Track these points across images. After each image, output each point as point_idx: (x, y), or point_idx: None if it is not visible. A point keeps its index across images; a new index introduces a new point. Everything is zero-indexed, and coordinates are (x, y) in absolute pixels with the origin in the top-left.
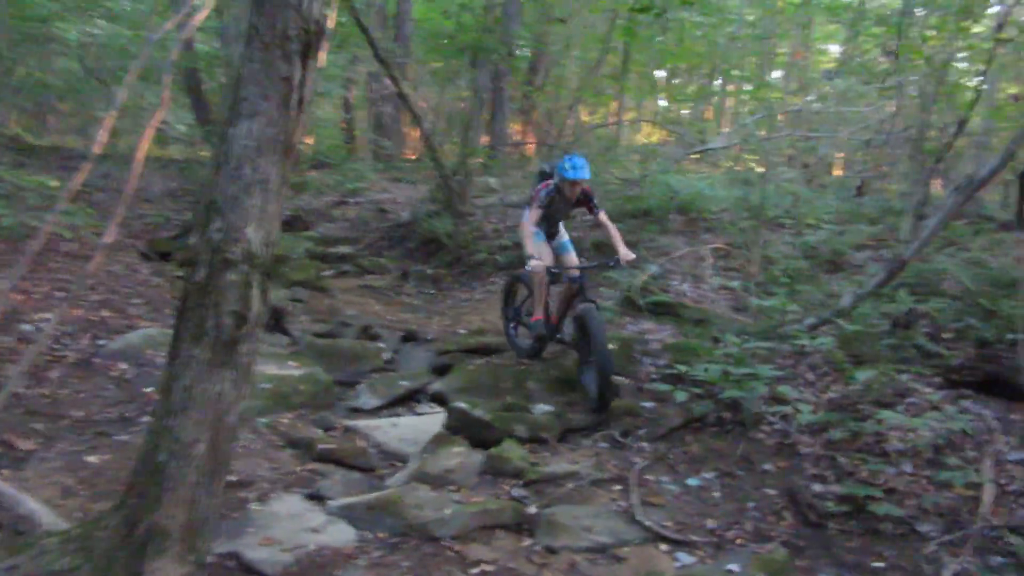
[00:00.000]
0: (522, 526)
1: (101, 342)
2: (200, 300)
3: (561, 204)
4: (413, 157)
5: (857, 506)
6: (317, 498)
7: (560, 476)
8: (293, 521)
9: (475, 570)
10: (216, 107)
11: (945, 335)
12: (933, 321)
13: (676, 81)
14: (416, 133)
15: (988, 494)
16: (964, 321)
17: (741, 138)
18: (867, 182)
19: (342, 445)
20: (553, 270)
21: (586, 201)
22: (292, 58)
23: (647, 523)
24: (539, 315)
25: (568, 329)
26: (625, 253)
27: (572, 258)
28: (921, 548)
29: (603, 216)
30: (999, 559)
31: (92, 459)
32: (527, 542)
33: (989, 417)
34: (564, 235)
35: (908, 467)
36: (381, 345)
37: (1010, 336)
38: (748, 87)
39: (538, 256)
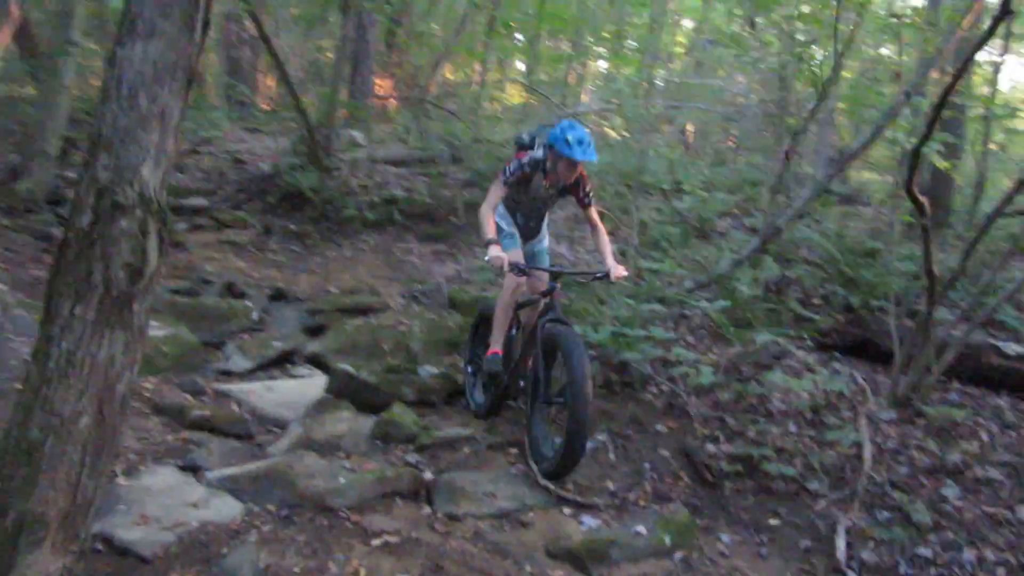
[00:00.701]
0: (420, 493)
1: None
2: (84, 251)
3: (541, 187)
4: (268, 108)
5: (750, 465)
6: (193, 469)
7: (455, 440)
8: (169, 496)
9: (377, 541)
10: (44, 39)
11: (814, 301)
12: (802, 287)
13: (547, 44)
14: (273, 81)
15: (868, 452)
16: (828, 288)
17: (615, 104)
18: (794, 149)
19: (216, 411)
20: (522, 267)
21: (577, 189)
22: None
23: (550, 487)
24: (497, 348)
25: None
26: (616, 266)
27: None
28: (812, 505)
29: (595, 213)
30: (886, 513)
31: None
32: (427, 510)
33: (860, 379)
34: (545, 238)
35: (792, 427)
36: (248, 304)
37: (873, 302)
38: (606, 53)
39: (503, 250)
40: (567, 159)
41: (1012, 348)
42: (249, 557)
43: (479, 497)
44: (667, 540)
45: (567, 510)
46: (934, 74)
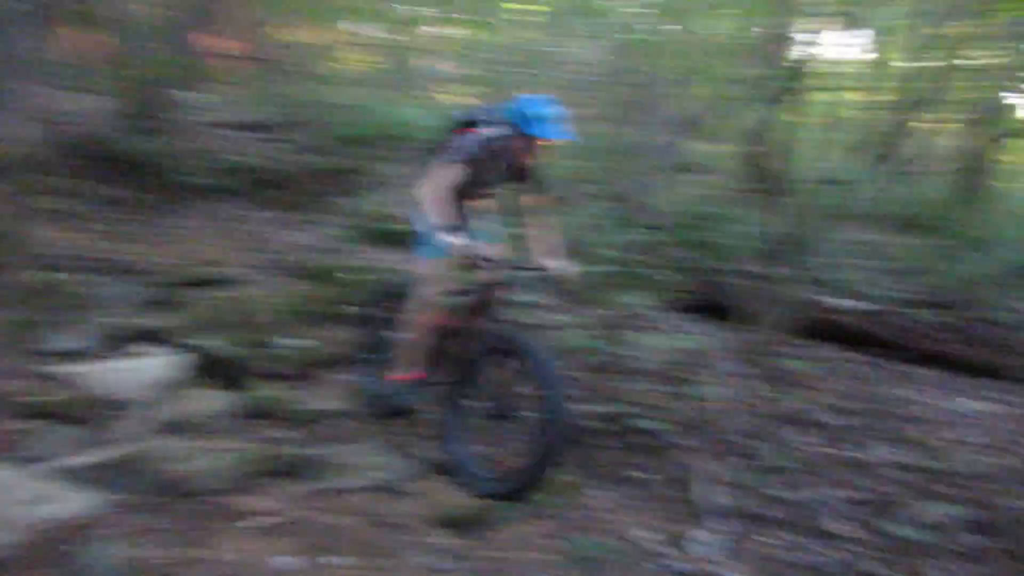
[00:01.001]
0: (294, 470)
1: None
2: None
3: (491, 170)
4: (84, 63)
5: (612, 422)
6: (31, 461)
7: (322, 414)
8: (4, 493)
9: (250, 523)
10: None
11: (665, 265)
12: (654, 252)
13: (401, 8)
14: (84, 33)
15: (718, 405)
16: (678, 252)
17: (471, 69)
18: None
19: (49, 396)
20: (491, 260)
21: (529, 175)
22: None
23: (428, 457)
24: (406, 373)
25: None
26: (562, 264)
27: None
28: (672, 456)
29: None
30: (736, 459)
31: None
32: (303, 487)
33: (709, 336)
34: (482, 219)
35: (650, 384)
36: (73, 278)
37: (719, 265)
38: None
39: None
40: (527, 137)
41: (838, 302)
42: (108, 551)
43: (356, 470)
44: (542, 501)
45: (444, 478)
46: (774, 47)
